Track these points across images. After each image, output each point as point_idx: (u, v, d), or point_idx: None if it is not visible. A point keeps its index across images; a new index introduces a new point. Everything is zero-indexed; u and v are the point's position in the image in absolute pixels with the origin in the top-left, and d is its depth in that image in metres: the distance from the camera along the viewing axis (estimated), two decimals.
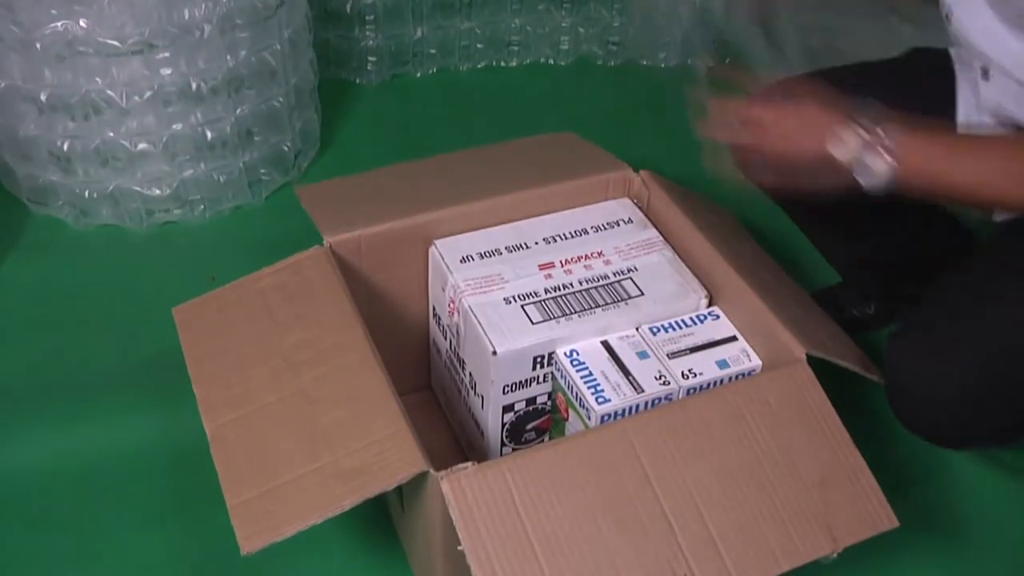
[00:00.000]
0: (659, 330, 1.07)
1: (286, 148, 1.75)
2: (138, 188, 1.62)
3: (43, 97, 1.51)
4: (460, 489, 0.83)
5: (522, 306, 1.07)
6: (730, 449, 0.91)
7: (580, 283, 1.11)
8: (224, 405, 0.95)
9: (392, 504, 1.12)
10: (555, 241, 1.16)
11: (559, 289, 1.10)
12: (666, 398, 1.01)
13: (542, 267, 1.12)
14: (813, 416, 0.95)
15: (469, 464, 0.84)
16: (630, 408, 1.00)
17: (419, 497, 0.91)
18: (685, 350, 1.05)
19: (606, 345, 1.05)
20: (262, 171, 1.72)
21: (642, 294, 1.10)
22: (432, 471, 0.84)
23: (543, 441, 1.15)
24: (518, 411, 1.10)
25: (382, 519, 1.17)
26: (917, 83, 1.18)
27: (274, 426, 0.92)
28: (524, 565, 0.81)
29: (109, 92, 1.51)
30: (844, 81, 1.13)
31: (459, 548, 0.81)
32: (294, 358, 0.97)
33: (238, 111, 1.62)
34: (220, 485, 0.88)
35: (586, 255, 1.14)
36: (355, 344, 0.97)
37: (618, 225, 1.19)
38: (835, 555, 0.89)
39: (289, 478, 0.87)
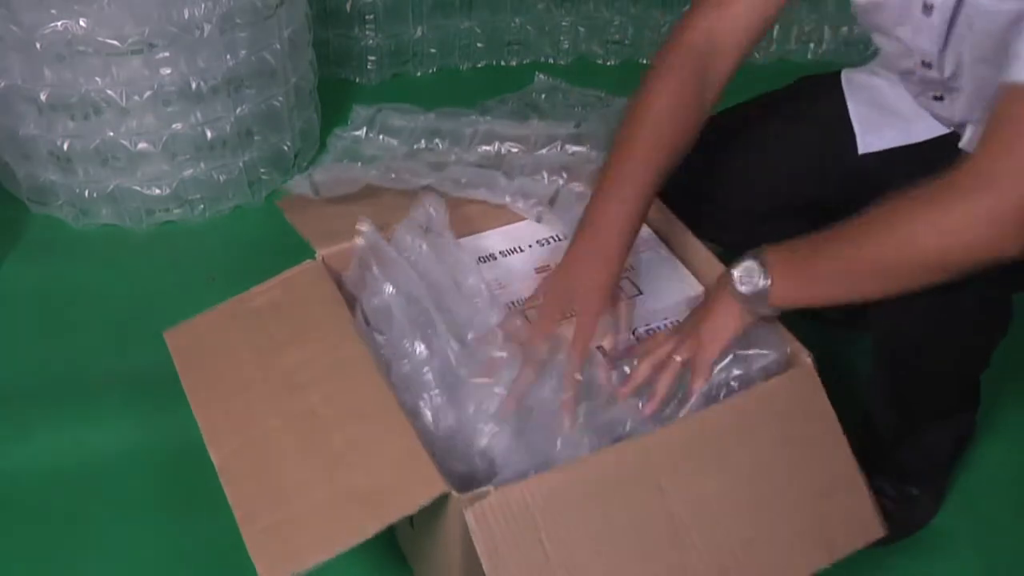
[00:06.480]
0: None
1: (286, 147, 1.75)
2: (138, 188, 1.62)
3: (43, 97, 1.52)
4: (484, 518, 0.80)
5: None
6: (742, 464, 0.90)
7: None
8: (229, 432, 0.91)
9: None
10: (549, 243, 1.16)
11: None
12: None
13: (539, 271, 1.12)
14: (817, 424, 0.94)
15: (490, 488, 0.82)
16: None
17: (435, 517, 0.88)
18: None
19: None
20: (262, 170, 1.73)
21: (640, 293, 1.10)
22: (454, 493, 0.81)
23: None
24: None
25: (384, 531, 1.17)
26: (813, 108, 1.19)
27: (283, 449, 0.89)
28: None
29: (109, 92, 1.51)
30: (747, 117, 1.18)
31: None
32: (296, 378, 0.94)
33: (238, 111, 1.62)
34: (219, 487, 0.86)
35: None
36: (357, 360, 0.94)
37: None
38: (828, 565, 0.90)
39: (305, 503, 0.84)
